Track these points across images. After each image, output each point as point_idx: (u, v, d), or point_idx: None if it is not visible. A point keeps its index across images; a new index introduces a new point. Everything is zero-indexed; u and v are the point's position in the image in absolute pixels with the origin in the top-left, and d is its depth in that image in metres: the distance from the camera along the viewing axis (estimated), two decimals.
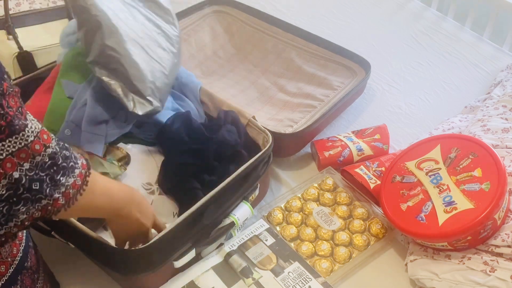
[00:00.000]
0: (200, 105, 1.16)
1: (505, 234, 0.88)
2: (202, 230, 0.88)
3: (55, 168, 0.58)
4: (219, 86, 1.38)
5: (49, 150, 0.57)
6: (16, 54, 1.20)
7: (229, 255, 0.95)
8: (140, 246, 0.80)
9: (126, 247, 0.82)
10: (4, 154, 0.52)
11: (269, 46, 1.49)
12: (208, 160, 0.99)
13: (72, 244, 0.85)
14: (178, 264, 0.86)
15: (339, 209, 1.07)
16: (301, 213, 1.07)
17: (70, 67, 1.02)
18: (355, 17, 1.75)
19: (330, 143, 1.19)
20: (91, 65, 0.96)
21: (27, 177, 0.55)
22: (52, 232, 0.86)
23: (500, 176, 0.88)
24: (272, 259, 0.95)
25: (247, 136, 1.07)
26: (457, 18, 1.72)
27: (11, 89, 0.54)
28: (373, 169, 1.10)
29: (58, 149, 0.59)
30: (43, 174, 0.56)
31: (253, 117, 1.09)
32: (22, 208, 0.56)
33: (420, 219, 0.91)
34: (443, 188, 0.93)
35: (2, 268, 0.66)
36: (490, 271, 0.85)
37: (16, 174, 0.54)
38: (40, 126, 0.57)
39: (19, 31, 1.22)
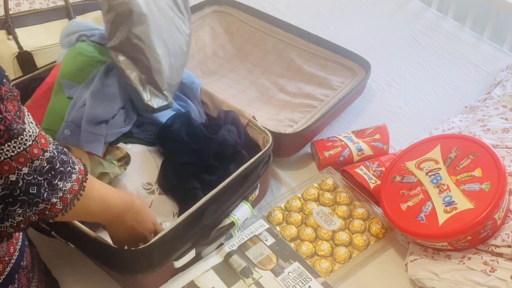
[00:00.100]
0: (201, 105, 1.16)
1: (505, 234, 0.88)
2: (202, 230, 0.88)
3: (52, 172, 0.58)
4: (219, 86, 1.38)
5: (47, 154, 0.57)
6: (16, 54, 1.20)
7: (229, 255, 0.95)
8: (141, 246, 0.80)
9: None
10: (2, 158, 0.53)
11: (269, 46, 1.49)
12: (208, 160, 0.99)
13: (72, 244, 0.85)
14: (178, 264, 0.86)
15: (339, 209, 1.07)
16: (301, 213, 1.07)
17: (70, 67, 1.02)
18: (355, 17, 1.75)
19: (330, 143, 1.19)
20: (111, 50, 0.95)
21: (25, 180, 0.55)
22: (52, 232, 0.86)
23: (500, 176, 0.88)
24: (272, 259, 0.95)
25: (247, 136, 1.07)
26: (457, 18, 1.72)
27: (10, 94, 0.54)
28: (373, 169, 1.10)
29: (56, 153, 0.59)
30: (41, 178, 0.57)
31: (253, 117, 1.09)
32: (19, 210, 0.56)
33: (420, 219, 0.91)
34: (443, 188, 0.93)
35: (0, 267, 0.66)
36: (490, 271, 0.85)
37: (13, 177, 0.54)
38: (38, 130, 0.57)
39: (19, 31, 1.22)
